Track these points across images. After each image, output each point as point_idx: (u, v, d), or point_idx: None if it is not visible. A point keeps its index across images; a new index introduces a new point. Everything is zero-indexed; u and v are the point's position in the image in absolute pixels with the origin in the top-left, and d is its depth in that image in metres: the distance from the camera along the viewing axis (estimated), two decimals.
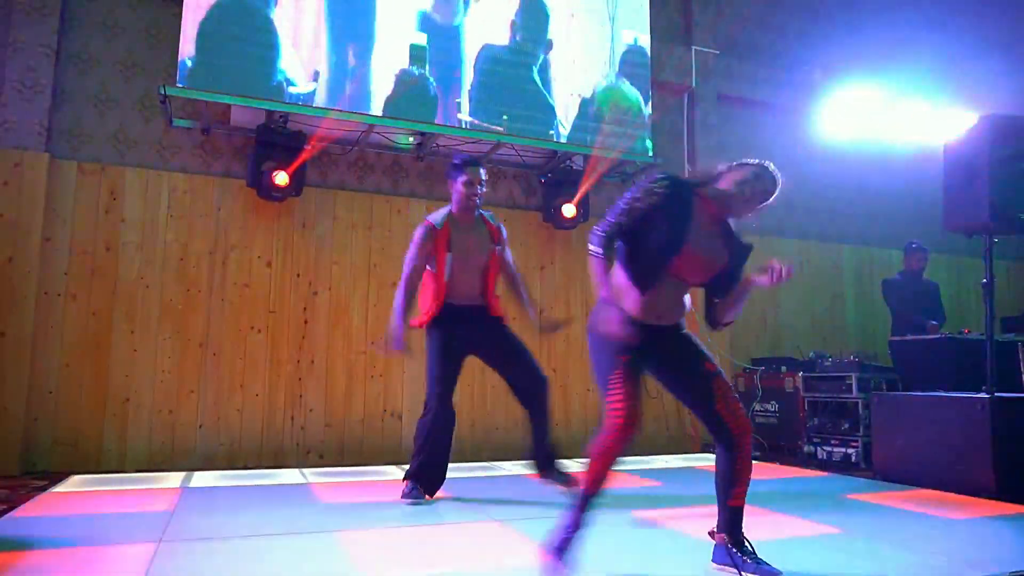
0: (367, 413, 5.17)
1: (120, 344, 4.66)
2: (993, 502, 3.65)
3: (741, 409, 2.37)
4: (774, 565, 2.30)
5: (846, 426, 5.31)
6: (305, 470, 4.66)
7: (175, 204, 4.90)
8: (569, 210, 5.66)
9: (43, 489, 3.80)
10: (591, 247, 2.33)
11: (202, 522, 3.05)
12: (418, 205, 5.51)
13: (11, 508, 3.28)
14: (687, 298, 2.45)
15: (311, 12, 5.03)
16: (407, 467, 3.67)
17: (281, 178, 4.80)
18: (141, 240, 4.79)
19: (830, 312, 7.05)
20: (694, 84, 6.50)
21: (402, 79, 5.19)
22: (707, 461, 5.34)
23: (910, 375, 5.31)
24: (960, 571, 2.40)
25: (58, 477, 4.19)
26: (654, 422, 6.00)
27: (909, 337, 5.40)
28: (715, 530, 2.43)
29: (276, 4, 4.92)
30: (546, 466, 3.75)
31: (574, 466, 5.00)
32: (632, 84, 5.94)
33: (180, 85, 4.60)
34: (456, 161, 3.73)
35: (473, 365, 3.79)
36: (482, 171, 3.71)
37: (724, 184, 2.37)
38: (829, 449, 5.33)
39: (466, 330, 3.62)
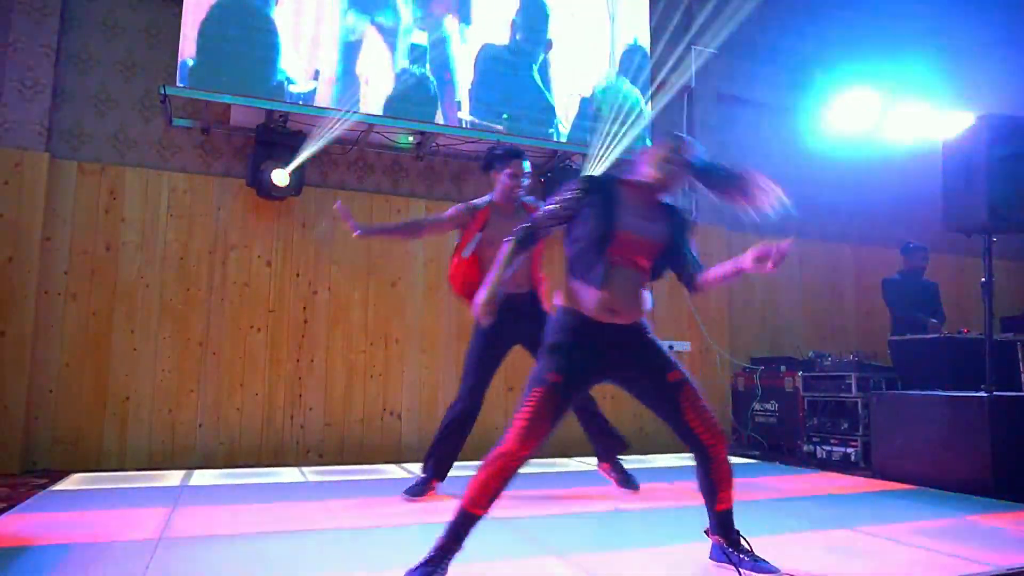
0: (367, 412, 5.18)
1: (120, 343, 4.67)
2: (992, 500, 3.65)
3: (712, 418, 2.32)
4: (772, 562, 2.30)
5: (845, 425, 5.31)
6: (304, 469, 4.67)
7: (175, 204, 4.91)
8: None
9: (43, 487, 3.80)
10: (512, 242, 2.36)
11: (202, 520, 3.06)
12: (418, 205, 5.52)
13: (11, 506, 3.28)
14: (647, 295, 2.38)
15: (311, 11, 5.04)
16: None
17: (280, 177, 4.81)
18: (141, 240, 4.80)
19: (829, 311, 7.05)
20: (693, 83, 6.50)
21: (402, 79, 5.20)
22: None
23: (909, 374, 5.32)
24: (959, 568, 2.41)
25: (58, 476, 4.19)
26: (654, 421, 5.99)
27: (908, 336, 5.41)
28: (709, 530, 2.42)
29: (276, 3, 4.93)
30: (609, 458, 3.82)
31: (574, 464, 5.01)
32: (632, 83, 5.95)
33: (180, 85, 4.61)
34: (499, 151, 3.66)
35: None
36: (526, 163, 3.64)
37: (646, 167, 2.38)
38: (828, 448, 5.33)
39: (514, 319, 3.49)
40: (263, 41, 4.87)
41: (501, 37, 5.57)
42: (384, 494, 3.74)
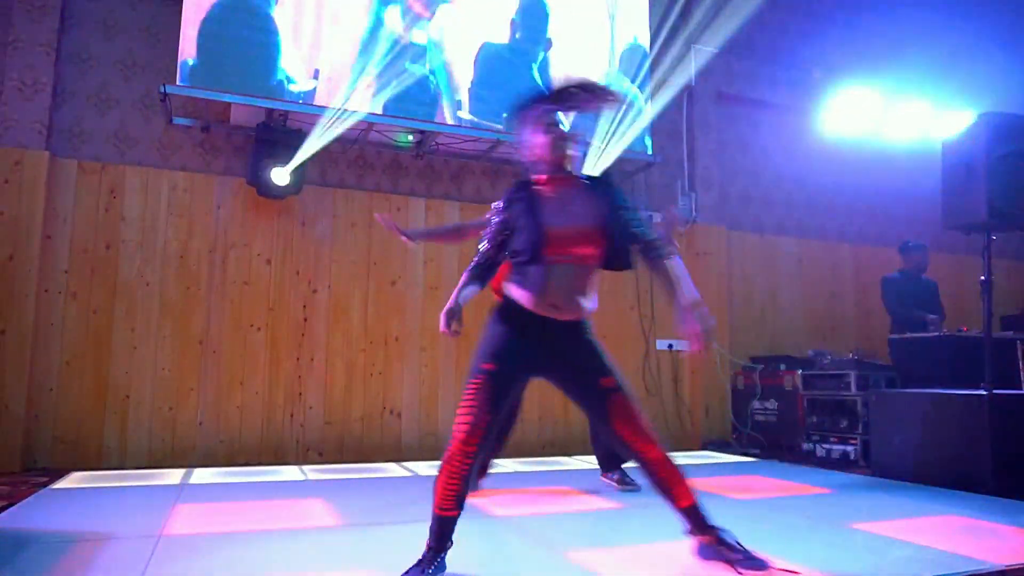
0: (366, 411, 5.18)
1: (120, 342, 4.67)
2: (991, 497, 3.65)
3: (643, 427, 2.26)
4: (763, 555, 2.25)
5: (845, 424, 5.31)
6: (305, 467, 4.67)
7: (175, 202, 4.91)
8: None
9: (44, 486, 3.80)
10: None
11: (201, 519, 3.06)
12: (417, 203, 5.53)
13: (11, 504, 3.29)
14: (593, 296, 2.32)
15: (311, 11, 5.04)
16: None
17: (280, 176, 4.82)
18: (141, 238, 4.80)
19: (829, 310, 7.05)
20: (693, 83, 6.51)
21: (402, 78, 5.20)
22: (708, 459, 5.36)
23: (909, 373, 5.32)
24: (957, 565, 2.41)
25: (58, 474, 4.20)
26: (654, 420, 6.00)
27: (908, 335, 5.41)
28: (689, 529, 2.30)
29: (276, 2, 4.94)
30: (611, 467, 3.87)
31: (574, 463, 5.02)
32: (632, 83, 5.95)
33: (180, 83, 4.61)
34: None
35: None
36: None
37: (530, 156, 2.37)
38: (828, 447, 5.33)
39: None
40: (263, 40, 4.87)
41: (501, 36, 5.58)
42: (384, 493, 3.75)
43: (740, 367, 6.30)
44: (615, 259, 2.31)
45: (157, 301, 4.78)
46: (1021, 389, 4.69)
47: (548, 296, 2.23)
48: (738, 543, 2.24)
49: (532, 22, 5.70)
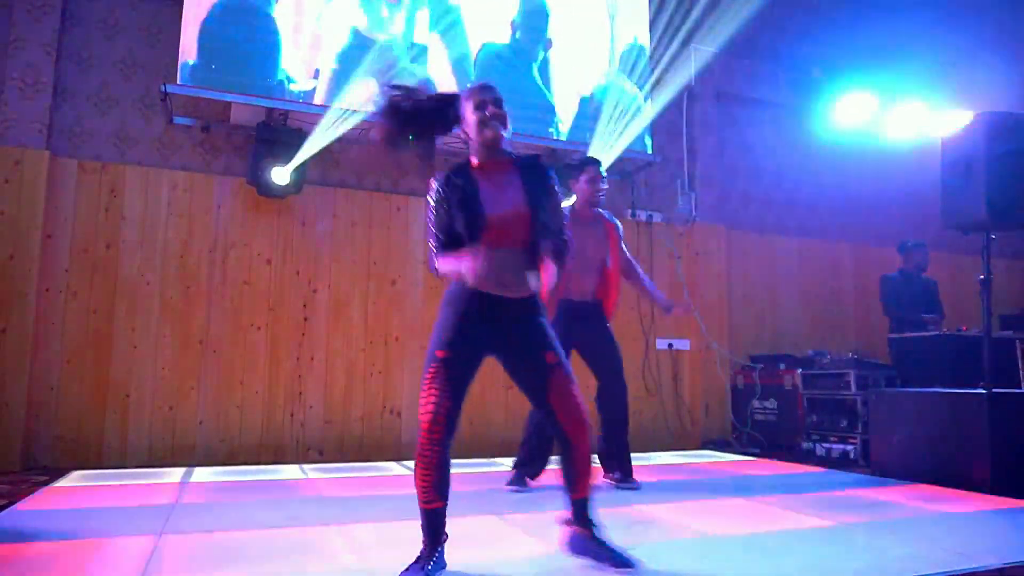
0: (367, 410, 5.18)
1: (121, 341, 4.68)
2: (990, 497, 3.66)
3: (578, 406, 2.28)
4: (633, 557, 2.25)
5: (844, 423, 5.32)
6: (305, 466, 4.68)
7: (175, 202, 4.91)
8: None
9: (44, 484, 3.81)
10: (437, 271, 2.31)
11: (202, 517, 3.07)
12: (418, 203, 5.52)
13: (12, 503, 3.29)
14: (538, 275, 2.28)
15: (311, 10, 5.05)
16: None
17: (280, 175, 4.82)
18: (141, 238, 4.80)
19: (829, 309, 7.06)
20: (693, 83, 6.51)
21: (402, 77, 5.20)
22: (708, 458, 5.36)
23: (908, 372, 5.33)
24: (957, 563, 2.41)
25: (59, 472, 4.20)
26: (653, 420, 6.02)
27: (908, 334, 5.42)
28: (568, 520, 2.34)
29: (276, 2, 4.94)
30: (612, 466, 3.92)
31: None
32: (631, 82, 5.96)
33: (181, 83, 4.62)
34: (573, 162, 3.86)
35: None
36: (602, 168, 3.87)
37: (470, 142, 2.36)
38: (828, 446, 5.34)
39: (581, 328, 3.70)
40: (263, 39, 4.88)
41: (501, 36, 5.58)
42: (384, 492, 3.75)
43: (740, 366, 6.31)
44: (541, 246, 2.28)
45: (157, 300, 4.79)
46: (1020, 388, 4.70)
47: (493, 273, 2.24)
48: (610, 542, 2.29)
49: (532, 22, 5.70)
